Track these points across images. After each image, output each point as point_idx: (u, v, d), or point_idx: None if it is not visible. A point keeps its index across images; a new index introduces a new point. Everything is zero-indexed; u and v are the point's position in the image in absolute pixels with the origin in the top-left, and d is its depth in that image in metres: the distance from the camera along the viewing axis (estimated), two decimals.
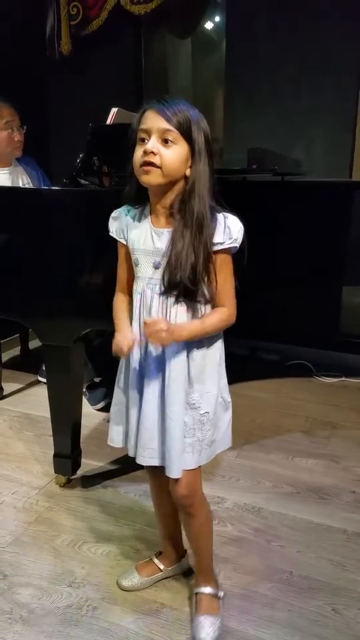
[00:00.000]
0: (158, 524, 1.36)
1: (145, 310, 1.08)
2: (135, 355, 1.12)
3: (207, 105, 3.13)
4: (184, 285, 1.01)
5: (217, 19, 3.05)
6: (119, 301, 1.18)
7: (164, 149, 0.98)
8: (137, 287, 1.10)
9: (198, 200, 1.01)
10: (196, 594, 1.28)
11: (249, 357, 2.87)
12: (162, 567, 1.36)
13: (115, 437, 1.20)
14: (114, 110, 1.77)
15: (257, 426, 2.16)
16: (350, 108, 2.62)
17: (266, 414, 2.25)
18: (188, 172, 1.02)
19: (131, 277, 1.14)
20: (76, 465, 1.73)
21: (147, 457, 1.13)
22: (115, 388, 1.20)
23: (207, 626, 1.21)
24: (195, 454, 1.12)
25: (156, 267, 1.06)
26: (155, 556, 1.38)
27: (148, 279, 1.07)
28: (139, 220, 1.09)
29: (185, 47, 3.16)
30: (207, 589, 1.27)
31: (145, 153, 0.98)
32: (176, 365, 1.07)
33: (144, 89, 3.07)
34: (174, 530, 1.35)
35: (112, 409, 1.21)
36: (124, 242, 1.12)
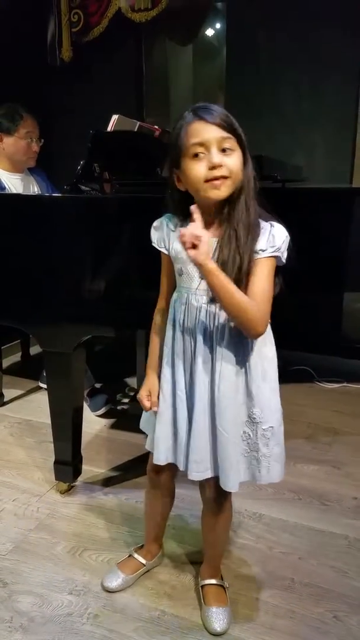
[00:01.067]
0: (149, 522, 1.38)
1: (190, 320, 1.06)
2: (181, 371, 1.10)
3: None
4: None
5: (217, 25, 3.07)
6: (159, 321, 1.18)
7: (226, 158, 0.94)
8: (181, 297, 1.08)
9: (245, 205, 0.98)
10: (202, 586, 1.31)
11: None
12: (144, 561, 1.38)
13: (162, 455, 1.15)
14: (114, 117, 1.78)
15: None
16: (350, 114, 2.64)
17: None
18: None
19: (172, 287, 1.13)
20: (77, 472, 1.73)
21: (201, 472, 1.10)
22: (160, 403, 1.15)
23: (219, 617, 1.24)
24: (263, 470, 1.10)
25: (202, 278, 1.01)
26: (135, 552, 1.39)
27: (195, 289, 1.05)
28: (178, 225, 1.06)
29: (186, 54, 3.18)
30: (214, 580, 1.31)
31: (214, 167, 0.93)
32: (225, 381, 1.05)
33: (145, 95, 3.09)
34: (163, 527, 1.39)
35: (157, 426, 1.15)
36: (166, 252, 1.10)
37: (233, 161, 0.95)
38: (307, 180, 2.35)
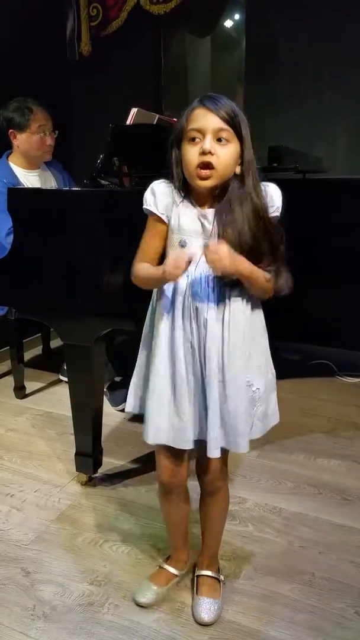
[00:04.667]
0: (172, 531, 1.33)
1: (195, 291, 1.06)
2: (180, 342, 1.08)
3: None
4: (249, 255, 1.01)
5: (236, 16, 3.03)
6: (143, 264, 1.12)
7: (219, 148, 0.98)
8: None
9: (254, 195, 1.02)
10: (198, 576, 1.31)
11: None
12: (176, 572, 1.34)
13: (191, 437, 1.12)
14: (133, 110, 1.78)
15: (278, 426, 2.10)
16: None
17: (288, 414, 2.20)
18: (238, 169, 1.02)
19: (159, 252, 1.12)
20: (97, 464, 1.75)
21: (218, 448, 1.10)
22: (158, 381, 1.11)
23: (209, 607, 1.24)
24: (246, 428, 1.12)
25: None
26: (165, 562, 1.36)
27: (197, 262, 1.05)
28: (182, 200, 1.07)
29: (205, 46, 3.15)
30: (209, 572, 1.31)
31: (204, 153, 0.98)
32: (234, 348, 1.06)
33: (163, 88, 3.07)
34: (186, 532, 1.34)
35: (161, 405, 1.11)
36: (166, 221, 1.09)
37: (225, 152, 0.99)
38: (328, 172, 2.31)
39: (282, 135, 2.60)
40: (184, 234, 1.07)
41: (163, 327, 1.10)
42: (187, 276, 1.06)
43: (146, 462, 1.88)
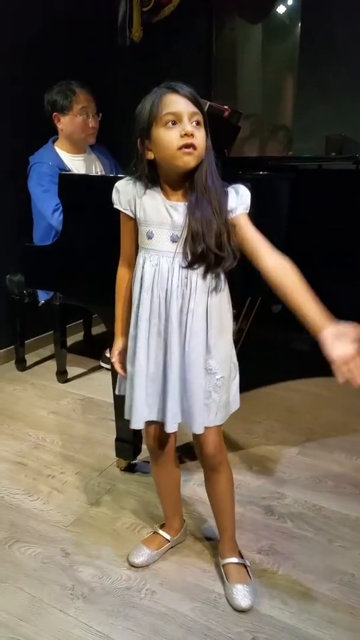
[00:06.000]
0: (164, 498, 1.42)
1: (161, 281, 1.09)
2: (146, 331, 1.14)
3: (277, 92, 3.05)
4: (213, 254, 1.05)
5: (290, 2, 2.95)
6: (122, 279, 1.21)
7: (196, 131, 1.01)
8: (151, 259, 1.10)
9: (213, 176, 1.05)
10: (224, 565, 1.33)
11: (312, 353, 2.79)
12: (169, 537, 1.42)
13: (139, 419, 1.20)
14: None
15: (319, 424, 2.10)
16: None
17: (329, 412, 2.18)
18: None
19: (134, 249, 1.17)
20: (137, 450, 1.76)
21: (175, 423, 1.17)
22: (136, 368, 1.17)
23: (245, 593, 1.26)
24: (211, 414, 1.18)
25: (174, 241, 1.08)
26: (159, 528, 1.44)
27: (166, 252, 1.09)
28: (147, 193, 1.09)
29: (257, 33, 3.08)
30: (234, 559, 1.32)
31: (186, 135, 0.99)
32: (195, 336, 1.10)
33: (214, 75, 3.03)
34: (178, 500, 1.43)
35: (136, 390, 1.18)
36: (132, 215, 1.12)
37: (201, 135, 1.02)
38: None
39: (336, 124, 2.52)
40: (151, 225, 1.10)
41: (134, 314, 1.15)
42: (155, 265, 1.09)
43: (184, 452, 1.87)
